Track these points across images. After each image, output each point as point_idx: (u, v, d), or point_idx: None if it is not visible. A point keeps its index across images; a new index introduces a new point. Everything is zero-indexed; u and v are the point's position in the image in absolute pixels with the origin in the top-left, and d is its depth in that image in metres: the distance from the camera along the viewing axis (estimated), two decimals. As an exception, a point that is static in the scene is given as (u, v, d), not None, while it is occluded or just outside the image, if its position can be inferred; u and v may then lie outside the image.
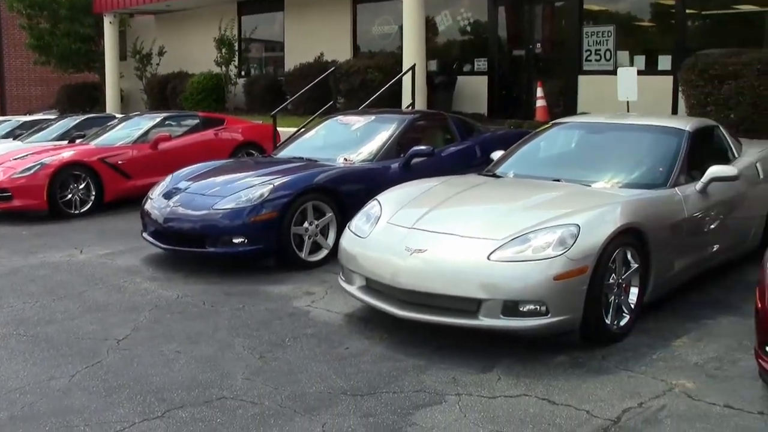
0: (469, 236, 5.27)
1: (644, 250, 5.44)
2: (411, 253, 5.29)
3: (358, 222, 6.04)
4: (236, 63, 20.60)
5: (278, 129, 13.68)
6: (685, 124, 6.68)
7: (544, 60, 15.55)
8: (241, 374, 4.93)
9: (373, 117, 9.51)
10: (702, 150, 6.62)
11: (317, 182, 7.72)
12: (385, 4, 17.61)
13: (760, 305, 4.15)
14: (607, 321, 5.18)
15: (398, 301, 5.31)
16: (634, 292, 5.44)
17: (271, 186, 7.50)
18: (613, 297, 5.23)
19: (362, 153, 8.59)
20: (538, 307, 4.88)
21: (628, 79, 11.35)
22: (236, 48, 20.50)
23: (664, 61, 13.49)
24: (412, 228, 5.58)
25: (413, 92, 13.93)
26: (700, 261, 6.16)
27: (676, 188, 5.98)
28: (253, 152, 12.75)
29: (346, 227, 6.15)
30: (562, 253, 4.89)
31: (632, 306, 5.41)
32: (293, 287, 6.90)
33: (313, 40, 18.66)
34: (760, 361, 4.15)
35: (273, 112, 13.59)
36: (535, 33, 15.72)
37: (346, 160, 8.39)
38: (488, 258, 5.01)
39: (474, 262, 5.04)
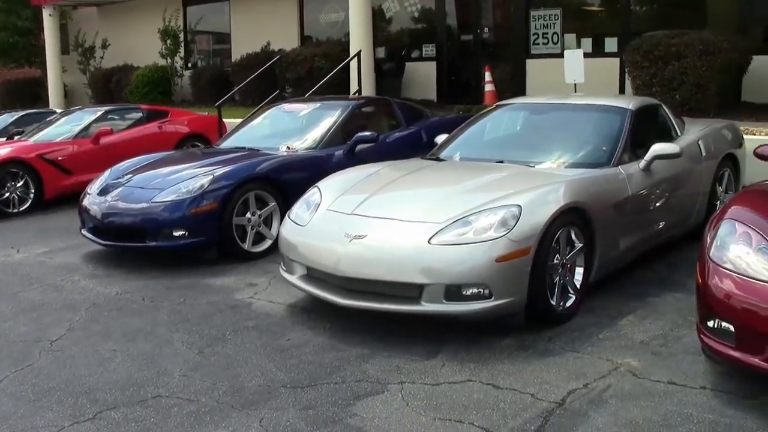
0: (410, 220, 5.16)
1: (588, 230, 5.38)
2: (351, 240, 5.16)
3: (297, 210, 5.90)
4: (182, 55, 20.26)
5: (224, 120, 13.46)
6: (628, 103, 6.63)
7: (492, 44, 15.52)
8: (178, 371, 4.77)
9: (317, 104, 9.36)
10: (645, 129, 6.58)
11: (259, 171, 7.56)
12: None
13: (700, 280, 4.10)
14: (553, 302, 5.10)
15: (340, 289, 5.18)
16: (579, 272, 5.38)
17: (212, 176, 7.33)
18: (558, 278, 5.15)
19: (305, 141, 8.45)
20: (481, 291, 4.79)
21: (574, 62, 11.33)
22: (181, 39, 20.18)
23: (611, 44, 13.55)
24: (351, 214, 5.46)
25: (359, 79, 13.79)
26: (645, 239, 6.12)
27: (620, 167, 5.93)
28: (199, 144, 12.51)
29: (286, 216, 6.01)
30: (503, 235, 4.80)
31: (578, 286, 5.35)
32: (236, 279, 6.75)
33: (260, 30, 18.44)
34: (701, 336, 4.10)
35: (218, 103, 13.34)
36: (482, 18, 15.67)
37: (288, 148, 8.24)
38: (429, 242, 4.90)
39: (415, 247, 4.93)
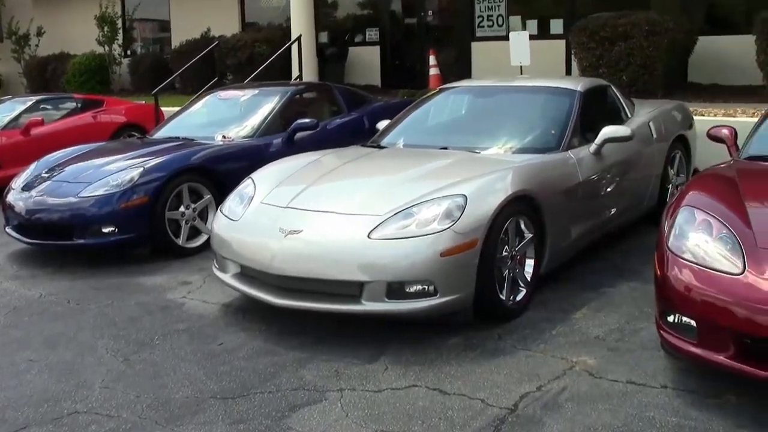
0: (348, 213, 4.83)
1: (538, 219, 5.10)
2: (285, 235, 4.81)
3: (230, 203, 5.53)
4: (120, 42, 19.57)
5: (163, 108, 12.94)
6: (576, 84, 6.36)
7: (437, 28, 15.23)
8: (99, 382, 4.38)
9: (254, 91, 8.95)
10: (595, 111, 6.33)
11: (192, 162, 7.16)
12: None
13: (659, 272, 3.83)
14: (502, 297, 4.81)
15: (275, 288, 4.83)
16: (529, 263, 5.10)
17: (142, 169, 6.92)
18: (507, 270, 4.86)
19: (242, 129, 8.06)
20: (426, 287, 4.47)
21: (520, 44, 11.07)
22: (119, 26, 19.48)
23: (556, 25, 13.32)
24: (286, 207, 5.11)
25: (300, 64, 13.37)
26: (597, 226, 5.86)
27: (569, 151, 5.66)
28: (135, 134, 12.00)
29: (218, 210, 5.64)
30: (448, 227, 4.49)
31: (528, 279, 5.06)
32: (168, 277, 6.36)
33: (200, 16, 17.85)
34: (661, 332, 3.84)
35: (154, 91, 12.83)
36: (427, 1, 15.30)
37: (224, 137, 7.83)
38: (368, 236, 4.57)
39: (353, 242, 4.60)
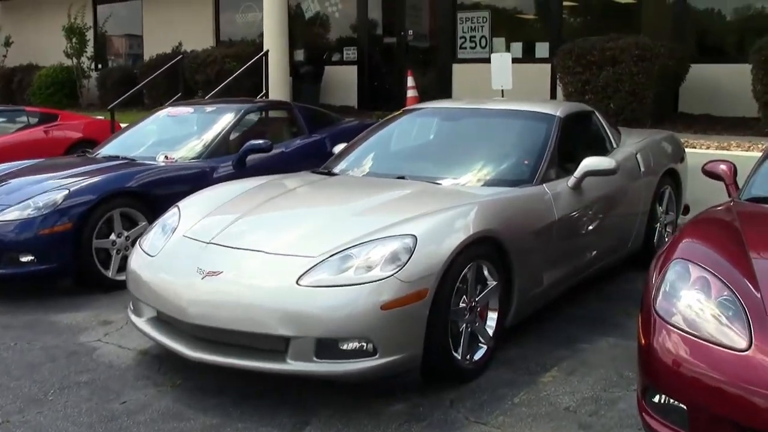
0: (278, 253, 4.08)
1: (504, 264, 4.35)
2: (203, 277, 4.05)
3: (151, 236, 4.78)
4: (89, 55, 18.81)
5: (123, 125, 12.17)
6: (556, 109, 5.64)
7: (417, 48, 14.55)
8: (-38, 450, 3.59)
9: (207, 108, 8.19)
10: (575, 139, 5.63)
11: (126, 186, 6.39)
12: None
13: (643, 340, 3.08)
14: (457, 356, 4.05)
15: (190, 339, 4.07)
16: (492, 316, 4.34)
17: (67, 191, 6.14)
18: (464, 325, 4.11)
19: (187, 149, 7.29)
20: (363, 346, 3.72)
21: (502, 66, 10.45)
22: (89, 38, 18.72)
23: (542, 49, 12.69)
24: (209, 243, 4.35)
25: (266, 81, 12.63)
26: (574, 271, 5.13)
27: (545, 185, 4.94)
28: (88, 151, 11.23)
29: (137, 243, 4.86)
30: (392, 274, 3.74)
31: (490, 334, 4.31)
32: (89, 315, 5.58)
33: (174, 31, 17.17)
34: (643, 415, 3.08)
35: (111, 106, 12.09)
36: (407, 20, 14.63)
37: (167, 158, 7.07)
38: (297, 282, 3.81)
39: (279, 289, 3.85)
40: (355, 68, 14.90)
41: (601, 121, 6.06)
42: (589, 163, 5.04)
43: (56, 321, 5.48)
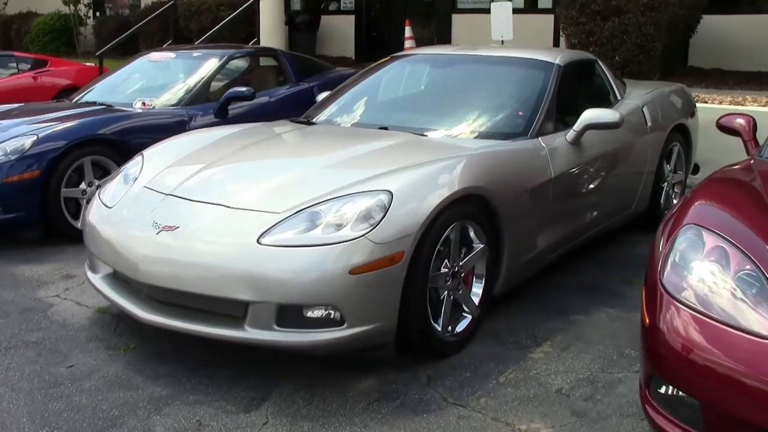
0: (239, 207, 3.64)
1: (493, 225, 3.90)
2: (158, 231, 3.62)
3: (112, 186, 4.35)
4: (86, 2, 18.20)
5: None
6: (555, 56, 5.15)
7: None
8: None
9: (189, 54, 7.70)
10: (576, 90, 5.17)
11: (98, 132, 5.96)
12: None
13: (647, 319, 2.64)
14: (437, 326, 3.62)
15: (146, 299, 3.66)
16: (478, 283, 3.90)
17: (35, 137, 5.73)
18: (446, 292, 3.68)
19: (166, 96, 6.82)
20: (330, 313, 3.29)
21: (502, 16, 9.89)
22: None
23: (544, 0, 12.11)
24: (169, 195, 3.91)
25: (258, 30, 12.07)
26: (572, 234, 4.68)
27: (540, 138, 4.47)
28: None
29: (96, 193, 4.43)
30: (362, 234, 3.30)
31: (476, 302, 3.87)
32: (52, 268, 5.20)
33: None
34: (647, 407, 2.65)
35: (99, 52, 11.59)
36: (406, -33, 14.05)
37: (144, 104, 6.60)
38: (258, 241, 3.37)
39: (238, 247, 3.42)
40: (352, 18, 14.37)
41: (604, 71, 5.57)
42: (591, 115, 4.58)
43: (17, 274, 5.12)
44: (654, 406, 2.58)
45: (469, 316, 3.83)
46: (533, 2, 12.11)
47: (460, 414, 3.21)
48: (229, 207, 3.66)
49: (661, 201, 5.76)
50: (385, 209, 3.37)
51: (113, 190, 4.29)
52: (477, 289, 3.88)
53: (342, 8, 14.57)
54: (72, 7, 17.72)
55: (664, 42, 9.34)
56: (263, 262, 3.32)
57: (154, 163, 4.38)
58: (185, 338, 3.84)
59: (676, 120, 5.91)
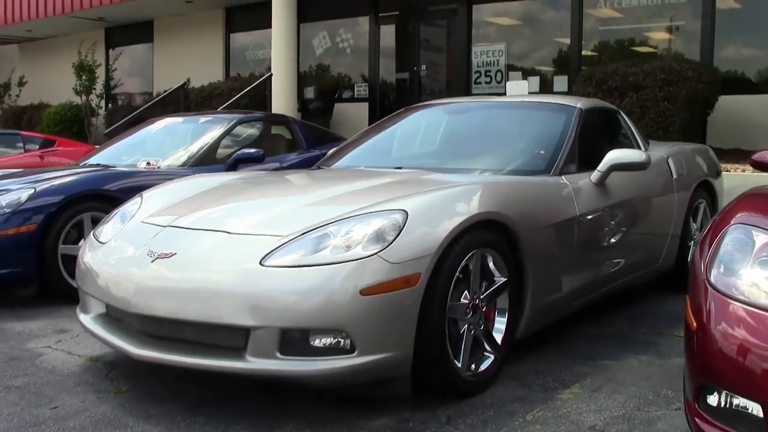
0: (242, 233, 3.39)
1: (515, 258, 3.62)
2: (153, 260, 3.36)
3: (107, 224, 4.11)
4: (97, 92, 18.38)
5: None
6: (576, 101, 4.97)
7: (431, 83, 13.96)
8: None
9: (199, 119, 7.60)
10: (598, 135, 4.95)
11: (98, 188, 5.76)
12: (258, 32, 15.83)
13: (694, 323, 2.34)
14: (458, 363, 3.31)
15: (139, 335, 3.36)
16: (501, 320, 3.60)
17: (32, 190, 5.52)
18: (466, 326, 3.38)
19: (173, 158, 6.67)
20: (339, 341, 2.99)
21: (518, 93, 9.78)
22: (98, 75, 18.32)
23: (560, 83, 12.05)
24: (168, 226, 3.67)
25: (269, 108, 12.08)
26: (598, 282, 4.39)
27: (564, 177, 4.22)
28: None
29: (91, 233, 4.20)
30: (375, 253, 3.03)
31: (498, 341, 3.56)
32: (45, 324, 4.92)
33: (184, 70, 16.67)
34: (696, 420, 2.33)
35: (107, 131, 11.54)
36: (420, 54, 14.08)
37: (148, 164, 6.44)
38: (261, 263, 3.11)
39: (239, 271, 3.15)
40: (366, 105, 14.34)
41: (626, 121, 5.37)
42: (616, 155, 4.36)
43: (6, 328, 4.85)
44: (704, 417, 2.27)
45: (492, 356, 3.51)
46: (548, 84, 12.05)
47: (483, 450, 2.87)
48: (230, 233, 3.42)
49: (689, 259, 5.47)
50: (400, 229, 3.12)
51: (108, 228, 4.06)
52: (500, 326, 3.58)
53: (356, 96, 14.57)
54: (84, 98, 17.86)
55: (683, 117, 9.17)
56: (265, 283, 3.05)
57: (154, 202, 4.18)
58: (181, 380, 3.59)
59: (701, 177, 5.68)
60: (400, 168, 4.40)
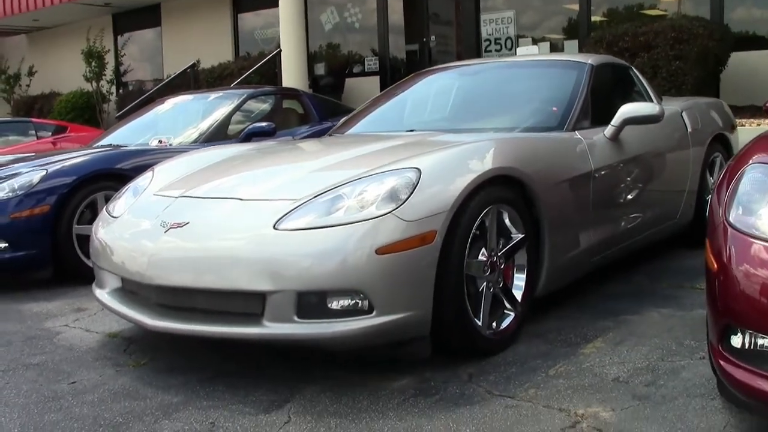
0: (254, 199, 3.37)
1: (532, 214, 3.59)
2: (166, 230, 3.35)
3: (120, 199, 4.10)
4: (107, 78, 18.37)
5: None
6: (587, 57, 4.91)
7: (441, 53, 13.85)
8: None
9: (209, 95, 7.57)
10: (611, 90, 4.89)
11: (111, 167, 5.74)
12: (266, 11, 15.76)
13: (715, 265, 2.31)
14: (478, 322, 3.28)
15: (154, 306, 3.35)
16: (519, 277, 3.57)
17: (44, 172, 5.52)
18: (485, 284, 3.35)
19: (185, 135, 6.65)
20: (357, 302, 2.97)
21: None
22: (107, 61, 18.31)
23: (571, 47, 11.90)
24: (180, 197, 3.66)
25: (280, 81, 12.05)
26: (615, 238, 4.34)
27: (577, 132, 4.17)
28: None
29: (104, 209, 4.19)
30: (389, 212, 3.00)
31: (518, 298, 3.54)
32: (62, 303, 4.92)
33: (193, 52, 16.61)
34: (721, 363, 2.30)
35: (118, 114, 11.54)
36: (429, 24, 13.98)
37: (160, 142, 6.43)
38: (275, 227, 3.08)
39: (253, 236, 3.13)
40: (377, 79, 14.24)
41: (639, 77, 5.30)
42: (629, 108, 4.30)
43: (25, 309, 4.85)
44: (728, 359, 2.24)
45: (512, 314, 3.49)
46: (559, 49, 11.92)
47: (507, 404, 2.85)
48: (242, 200, 3.40)
49: (707, 214, 5.40)
50: (413, 186, 3.09)
51: (121, 202, 4.05)
52: (519, 282, 3.55)
53: (366, 70, 14.50)
54: (94, 84, 17.86)
55: (695, 75, 9.05)
56: (280, 247, 3.03)
57: (166, 175, 4.16)
58: (200, 352, 3.59)
59: (716, 130, 5.60)
60: (412, 131, 4.35)
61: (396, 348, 3.18)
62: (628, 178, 4.42)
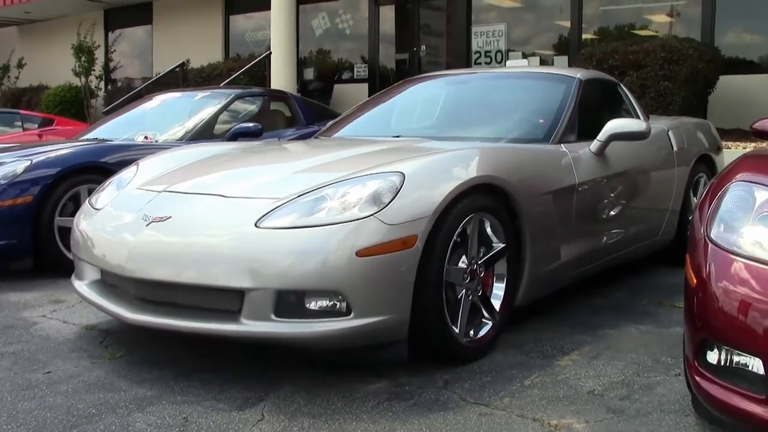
0: (237, 196, 3.35)
1: (514, 225, 3.59)
2: (148, 224, 3.33)
3: (103, 192, 4.07)
4: (96, 74, 18.28)
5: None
6: (575, 72, 4.93)
7: (430, 63, 13.88)
8: None
9: (197, 94, 7.55)
10: (598, 106, 4.90)
11: (95, 160, 5.71)
12: (258, 14, 15.76)
13: (694, 279, 2.31)
14: (455, 329, 3.28)
15: (133, 299, 3.33)
16: (499, 286, 3.57)
17: (28, 162, 5.48)
18: (464, 291, 3.34)
19: (171, 132, 6.62)
20: (335, 303, 2.96)
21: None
22: (96, 57, 18.23)
23: (561, 62, 11.96)
24: (163, 192, 3.64)
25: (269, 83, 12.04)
26: (597, 253, 4.35)
27: (563, 145, 4.18)
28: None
29: (86, 200, 4.16)
30: (372, 214, 2.99)
31: (496, 307, 3.53)
32: (41, 294, 4.89)
33: (183, 51, 16.60)
34: (696, 378, 2.30)
35: (105, 109, 11.49)
36: (420, 34, 14.02)
37: (146, 138, 6.40)
38: (256, 225, 3.07)
39: (234, 233, 3.11)
40: (366, 86, 14.26)
41: (626, 93, 5.33)
42: (616, 124, 4.32)
43: (2, 298, 4.82)
44: (703, 374, 2.24)
45: (490, 323, 3.49)
46: (549, 64, 11.96)
47: (481, 412, 2.84)
48: (225, 196, 3.39)
49: (688, 233, 5.42)
50: (397, 190, 3.08)
51: (104, 195, 4.03)
52: (498, 292, 3.55)
53: (355, 77, 14.51)
54: (83, 79, 17.77)
55: (683, 95, 9.11)
56: (261, 245, 3.02)
57: (150, 169, 4.14)
58: (177, 347, 3.57)
59: (702, 150, 5.63)
60: (398, 137, 4.35)
61: (373, 351, 3.16)
62: (612, 194, 4.43)
